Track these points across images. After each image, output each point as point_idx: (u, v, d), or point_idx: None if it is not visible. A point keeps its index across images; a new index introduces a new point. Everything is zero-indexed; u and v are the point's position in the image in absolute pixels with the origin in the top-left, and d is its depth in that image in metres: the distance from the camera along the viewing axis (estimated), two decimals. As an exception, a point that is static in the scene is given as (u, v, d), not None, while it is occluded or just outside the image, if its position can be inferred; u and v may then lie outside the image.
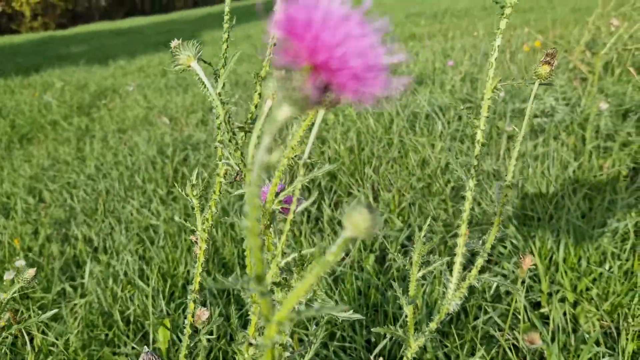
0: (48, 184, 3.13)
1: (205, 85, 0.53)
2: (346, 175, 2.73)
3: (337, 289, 1.79)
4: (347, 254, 2.10)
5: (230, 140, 0.59)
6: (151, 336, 1.65)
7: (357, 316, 0.70)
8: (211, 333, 1.57)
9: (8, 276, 2.09)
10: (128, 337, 1.72)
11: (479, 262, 0.98)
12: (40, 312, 1.94)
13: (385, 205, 2.41)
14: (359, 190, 2.58)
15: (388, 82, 0.31)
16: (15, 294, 0.81)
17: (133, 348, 1.69)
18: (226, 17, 0.61)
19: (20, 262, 2.15)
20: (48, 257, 2.27)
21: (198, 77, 0.56)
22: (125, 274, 2.02)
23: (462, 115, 3.32)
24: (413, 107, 3.57)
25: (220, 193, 0.75)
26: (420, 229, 2.19)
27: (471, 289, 1.74)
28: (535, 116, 3.10)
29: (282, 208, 0.78)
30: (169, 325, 1.60)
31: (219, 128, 0.60)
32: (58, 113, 5.18)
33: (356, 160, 2.86)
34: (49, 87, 6.78)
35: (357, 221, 0.31)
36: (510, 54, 4.57)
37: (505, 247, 1.91)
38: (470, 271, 1.02)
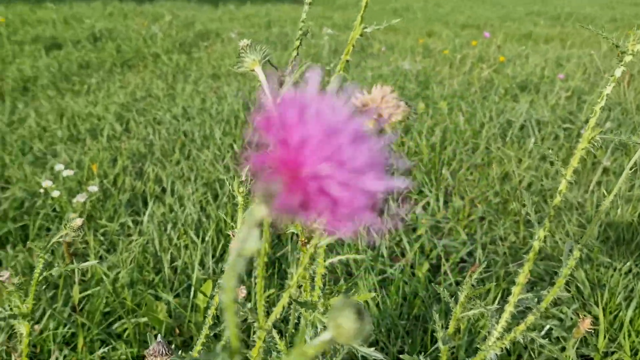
0: (136, 116, 3.26)
1: (265, 92, 0.50)
2: (422, 173, 2.64)
3: (383, 290, 1.75)
4: (403, 255, 2.04)
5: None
6: (192, 292, 1.69)
7: (379, 356, 0.66)
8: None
9: (80, 199, 2.19)
10: (173, 285, 1.77)
11: (530, 319, 0.91)
12: (102, 238, 2.04)
13: (454, 213, 2.32)
14: (430, 191, 2.49)
15: (373, 218, 0.25)
16: (60, 239, 0.83)
17: (176, 296, 1.75)
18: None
19: (93, 188, 2.25)
20: (120, 188, 2.37)
21: (259, 82, 0.52)
22: (185, 222, 2.07)
23: (558, 135, 3.11)
24: (509, 115, 3.39)
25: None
26: (484, 247, 2.09)
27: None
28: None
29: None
30: (210, 286, 1.63)
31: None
32: (161, 46, 5.36)
33: (435, 159, 2.76)
34: (159, 19, 7.02)
35: (341, 325, 0.27)
36: (630, 77, 4.21)
37: (569, 291, 1.78)
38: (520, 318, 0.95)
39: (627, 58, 0.80)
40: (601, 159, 2.73)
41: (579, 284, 1.78)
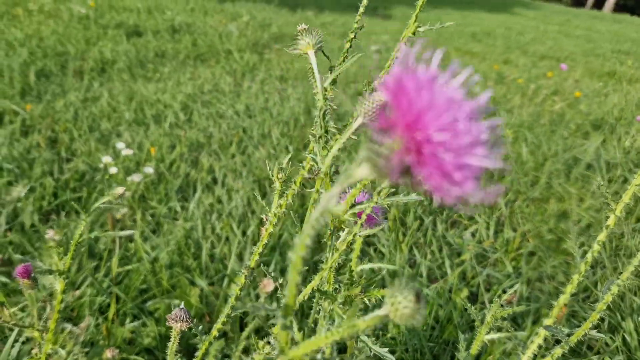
0: (200, 107, 3.35)
1: (314, 76, 0.50)
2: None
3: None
4: (442, 277, 1.99)
5: (320, 137, 0.56)
6: (225, 282, 1.70)
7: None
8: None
9: (135, 178, 2.26)
10: (208, 273, 1.79)
11: (557, 352, 0.86)
12: (150, 218, 2.10)
13: (503, 244, 2.24)
14: (480, 216, 2.42)
15: (477, 189, 0.27)
16: (104, 204, 0.86)
17: (210, 284, 1.77)
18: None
19: (148, 169, 2.32)
20: (174, 174, 2.43)
21: (310, 66, 0.52)
22: (229, 214, 2.10)
23: (628, 179, 2.95)
24: (577, 151, 3.25)
25: (301, 185, 0.74)
26: (528, 283, 2.01)
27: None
28: None
29: (358, 214, 0.74)
30: (243, 281, 1.63)
31: (315, 122, 0.57)
32: (235, 44, 5.50)
33: (491, 186, 2.67)
34: (237, 18, 7.21)
35: (398, 305, 0.27)
36: None
37: (614, 341, 1.68)
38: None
39: None
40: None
41: (626, 335, 1.67)
